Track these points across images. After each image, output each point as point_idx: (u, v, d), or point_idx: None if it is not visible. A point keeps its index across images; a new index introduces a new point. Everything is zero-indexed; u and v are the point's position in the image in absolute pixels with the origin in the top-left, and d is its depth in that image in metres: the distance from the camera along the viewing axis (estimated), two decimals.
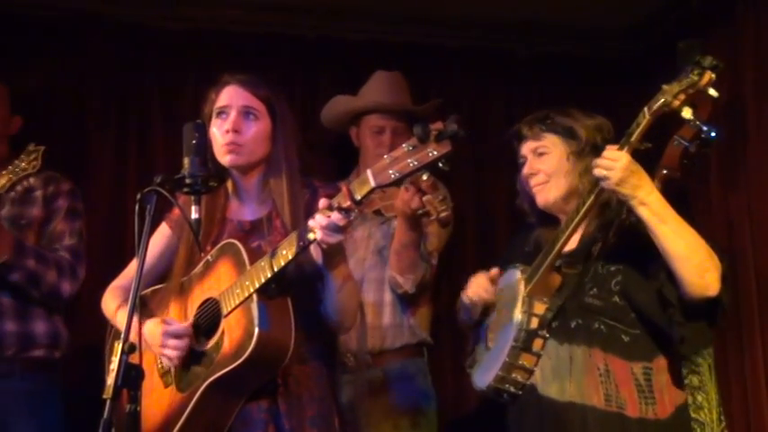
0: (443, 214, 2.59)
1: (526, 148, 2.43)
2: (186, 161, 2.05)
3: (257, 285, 2.13)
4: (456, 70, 3.99)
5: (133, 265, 2.36)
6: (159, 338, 2.23)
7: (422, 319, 3.13)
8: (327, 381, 2.33)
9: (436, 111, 3.42)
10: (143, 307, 2.34)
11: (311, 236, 2.06)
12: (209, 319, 2.26)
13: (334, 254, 2.15)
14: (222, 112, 2.33)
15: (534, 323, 2.23)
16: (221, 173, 2.33)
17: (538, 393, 2.25)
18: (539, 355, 2.23)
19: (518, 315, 2.26)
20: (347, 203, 2.01)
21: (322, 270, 2.22)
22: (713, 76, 2.05)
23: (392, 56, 3.90)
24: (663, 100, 2.06)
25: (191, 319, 2.29)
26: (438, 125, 1.90)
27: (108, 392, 1.80)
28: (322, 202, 2.06)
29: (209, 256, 2.30)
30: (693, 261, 2.08)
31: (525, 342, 2.22)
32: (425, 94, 3.79)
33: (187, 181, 2.03)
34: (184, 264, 2.37)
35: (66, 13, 3.60)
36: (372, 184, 1.96)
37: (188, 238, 2.32)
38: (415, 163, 1.91)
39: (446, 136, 1.89)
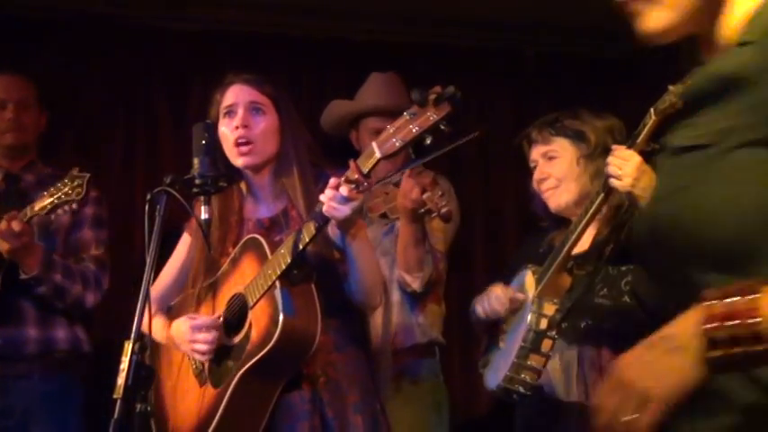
0: (444, 210, 2.58)
1: (536, 153, 2.43)
2: (196, 161, 2.04)
3: (279, 272, 2.14)
4: (463, 71, 3.98)
5: (162, 277, 2.42)
6: (188, 334, 2.24)
7: (433, 318, 3.12)
8: (366, 366, 2.34)
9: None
10: (173, 315, 2.37)
11: (324, 210, 2.08)
12: (236, 313, 2.27)
13: (348, 226, 2.15)
14: (230, 111, 2.34)
15: (543, 324, 2.23)
16: (232, 174, 2.33)
17: (545, 393, 2.25)
18: (548, 356, 2.23)
19: (527, 316, 2.26)
20: (355, 176, 2.04)
21: (343, 250, 2.24)
22: None
23: (399, 56, 3.90)
24: (669, 101, 2.05)
25: (220, 313, 2.31)
26: (436, 89, 1.93)
27: (118, 392, 1.80)
28: (332, 181, 2.08)
29: (233, 254, 2.32)
30: None
31: (534, 343, 2.22)
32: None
33: (197, 181, 2.02)
34: (203, 266, 2.37)
35: (74, 16, 3.61)
36: (378, 154, 1.99)
37: (203, 240, 2.31)
38: (417, 128, 1.93)
39: (444, 98, 1.93)
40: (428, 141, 1.96)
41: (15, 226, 2.61)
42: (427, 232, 2.96)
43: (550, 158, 2.38)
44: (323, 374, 2.23)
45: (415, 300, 3.06)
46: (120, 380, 1.80)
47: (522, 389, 2.24)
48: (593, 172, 2.32)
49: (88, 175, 2.67)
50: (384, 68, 3.51)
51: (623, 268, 2.23)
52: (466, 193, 3.42)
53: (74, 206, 2.69)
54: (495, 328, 2.49)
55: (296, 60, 3.84)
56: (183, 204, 2.07)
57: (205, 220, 2.03)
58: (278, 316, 2.13)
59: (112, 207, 3.16)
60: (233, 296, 2.29)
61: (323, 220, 2.11)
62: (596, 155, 2.30)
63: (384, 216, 3.11)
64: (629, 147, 2.11)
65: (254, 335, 2.18)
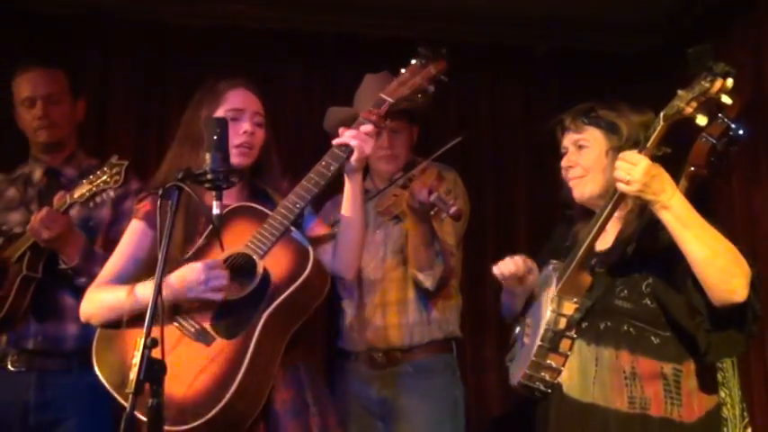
0: (453, 210, 2.59)
1: (568, 140, 2.39)
2: (207, 156, 2.04)
3: (293, 217, 2.28)
4: (474, 67, 3.98)
5: (111, 264, 2.39)
6: (202, 273, 2.19)
7: (450, 313, 3.13)
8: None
9: (430, 102, 3.43)
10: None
11: (352, 143, 2.31)
12: (239, 269, 2.28)
13: (361, 166, 2.38)
14: (236, 117, 2.41)
15: (562, 323, 2.22)
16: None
17: (562, 392, 2.23)
18: (566, 356, 2.22)
19: (547, 314, 2.25)
20: (373, 117, 2.36)
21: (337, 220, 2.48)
22: (726, 82, 1.99)
23: (409, 52, 3.88)
24: (676, 107, 2.03)
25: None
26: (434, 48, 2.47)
27: (130, 387, 1.81)
28: (360, 120, 2.36)
29: (206, 232, 2.33)
30: (717, 265, 2.01)
31: (552, 342, 2.22)
32: (442, 90, 3.78)
33: (208, 176, 2.03)
34: (181, 248, 2.34)
35: (85, 11, 3.62)
36: (390, 99, 2.39)
37: (180, 227, 2.32)
38: (419, 79, 2.44)
39: (440, 55, 2.50)
40: (431, 89, 2.46)
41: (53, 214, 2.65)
42: (436, 229, 2.97)
43: (580, 147, 2.34)
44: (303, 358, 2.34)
45: (428, 296, 3.07)
46: (132, 374, 1.81)
47: (542, 386, 2.24)
48: None
49: (126, 162, 2.67)
50: (396, 64, 3.50)
51: (645, 270, 2.19)
52: (477, 190, 3.42)
53: (111, 193, 2.69)
54: (521, 319, 2.48)
55: (308, 56, 3.83)
56: (196, 199, 2.08)
57: (216, 215, 2.04)
58: (306, 250, 2.27)
59: None
60: (228, 257, 2.27)
61: (347, 153, 2.33)
62: (626, 148, 2.22)
63: (397, 218, 3.13)
64: (640, 151, 2.09)
65: (276, 276, 2.24)
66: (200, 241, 2.35)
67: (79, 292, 2.78)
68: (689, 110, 2.02)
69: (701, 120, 2.03)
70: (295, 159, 3.65)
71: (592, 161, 2.31)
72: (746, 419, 3.17)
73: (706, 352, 2.09)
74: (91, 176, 2.66)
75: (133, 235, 2.42)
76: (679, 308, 2.13)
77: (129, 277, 2.35)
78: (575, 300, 2.23)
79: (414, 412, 3.01)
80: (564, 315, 2.22)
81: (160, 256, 1.94)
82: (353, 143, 2.31)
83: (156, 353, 1.83)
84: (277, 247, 2.26)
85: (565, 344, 2.21)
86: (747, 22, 3.49)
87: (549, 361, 2.22)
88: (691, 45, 3.93)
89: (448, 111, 3.85)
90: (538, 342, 2.23)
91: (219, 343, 2.22)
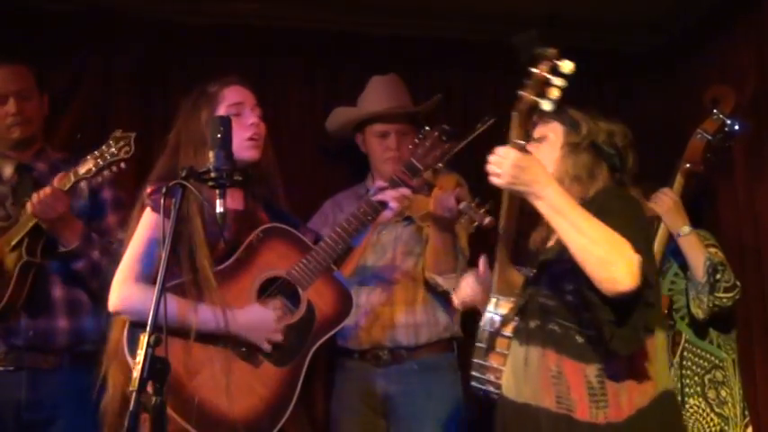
0: (486, 220, 2.65)
1: (535, 133, 2.34)
2: (211, 154, 2.05)
3: (335, 256, 2.50)
4: (476, 65, 3.97)
5: (138, 255, 2.39)
6: (268, 325, 2.38)
7: (454, 314, 3.15)
8: None
9: (436, 106, 3.44)
10: (185, 296, 2.34)
11: (392, 205, 2.60)
12: (282, 295, 2.46)
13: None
14: (238, 112, 2.45)
15: (496, 323, 2.24)
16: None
17: (502, 394, 2.23)
18: (505, 355, 2.22)
19: (484, 314, 2.29)
20: (413, 183, 2.69)
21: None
22: (560, 65, 2.01)
23: (412, 51, 3.89)
24: (526, 100, 2.03)
25: (254, 297, 2.42)
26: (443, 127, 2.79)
27: (134, 385, 1.81)
28: (380, 184, 2.68)
29: (253, 240, 2.45)
30: (595, 254, 1.98)
31: (489, 342, 2.25)
32: (446, 89, 3.78)
33: (212, 174, 2.03)
34: (208, 253, 2.38)
35: (87, 9, 3.61)
36: (422, 167, 2.72)
37: (199, 229, 2.37)
38: (439, 153, 2.76)
39: (454, 137, 2.82)
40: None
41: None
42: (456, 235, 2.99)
43: (541, 140, 2.31)
44: None
45: (437, 297, 3.09)
46: (136, 372, 1.81)
47: (492, 387, 2.25)
48: (572, 163, 2.24)
49: (134, 133, 2.67)
50: (398, 62, 3.50)
51: (568, 266, 2.11)
52: (479, 186, 3.40)
53: (122, 165, 2.67)
54: None
55: (310, 54, 3.83)
56: (198, 197, 2.08)
57: (220, 213, 2.04)
58: (349, 295, 2.53)
59: (129, 200, 3.14)
60: (270, 279, 2.43)
61: (377, 212, 2.60)
62: (582, 147, 2.24)
63: (408, 219, 3.14)
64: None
65: (321, 312, 2.44)
66: (239, 254, 2.42)
67: (69, 284, 2.81)
68: (530, 98, 2.02)
69: (546, 105, 2.01)
70: (296, 158, 3.66)
71: (545, 154, 2.26)
72: (747, 418, 3.17)
73: (610, 339, 2.03)
74: (95, 152, 2.65)
75: (150, 228, 2.40)
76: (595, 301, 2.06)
77: (155, 269, 2.33)
78: (511, 299, 2.24)
79: (419, 410, 3.02)
80: (498, 314, 2.25)
81: (164, 254, 1.94)
82: (393, 205, 2.61)
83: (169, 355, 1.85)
84: (320, 282, 2.47)
85: (501, 343, 2.23)
86: (750, 20, 3.48)
87: (490, 361, 2.24)
88: (694, 44, 3.94)
89: (451, 109, 3.84)
90: (476, 344, 2.26)
91: (268, 367, 2.38)
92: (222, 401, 2.26)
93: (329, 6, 3.74)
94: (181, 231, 2.27)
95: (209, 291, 2.33)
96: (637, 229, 2.07)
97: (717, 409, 3.11)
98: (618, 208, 2.12)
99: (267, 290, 2.45)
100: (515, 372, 2.19)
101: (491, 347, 2.24)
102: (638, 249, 1.99)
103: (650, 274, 2.03)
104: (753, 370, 3.33)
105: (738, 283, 3.06)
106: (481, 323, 2.29)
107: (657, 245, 3.14)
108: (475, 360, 2.27)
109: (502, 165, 2.05)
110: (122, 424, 1.79)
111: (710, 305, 3.03)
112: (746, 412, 3.17)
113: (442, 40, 3.97)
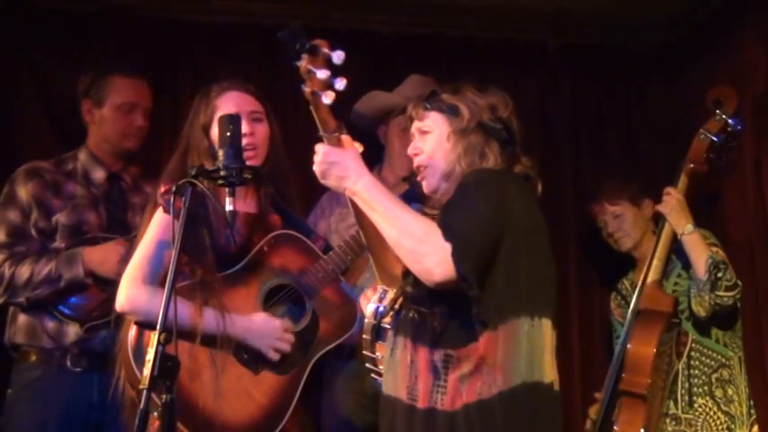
0: None
1: (413, 128, 2.29)
2: (221, 153, 2.06)
3: (344, 267, 2.48)
4: (486, 62, 3.96)
5: (147, 255, 2.39)
6: (275, 332, 2.37)
7: None
8: None
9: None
10: (191, 298, 2.35)
11: None
12: (289, 302, 2.46)
13: None
14: None
15: (379, 314, 2.26)
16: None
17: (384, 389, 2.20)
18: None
19: (368, 306, 2.30)
20: None
21: None
22: (326, 53, 2.01)
23: (423, 48, 3.89)
24: (307, 95, 2.05)
25: (260, 303, 2.43)
26: None
27: (144, 383, 1.82)
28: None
29: (264, 246, 2.45)
30: (405, 246, 1.97)
31: (373, 334, 2.26)
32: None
33: (222, 173, 2.04)
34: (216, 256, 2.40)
35: (99, 7, 3.62)
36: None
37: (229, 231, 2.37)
38: None
39: None
40: None
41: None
42: None
43: (423, 133, 2.25)
44: None
45: None
46: (146, 370, 1.82)
47: (380, 379, 2.22)
48: (462, 149, 2.17)
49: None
50: (408, 60, 3.50)
51: None
52: None
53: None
54: None
55: None
56: (208, 195, 2.08)
57: (230, 211, 2.05)
58: (354, 306, 2.47)
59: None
60: (277, 285, 2.44)
61: None
62: (469, 130, 2.17)
63: (406, 179, 3.13)
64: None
65: (324, 322, 2.44)
66: (249, 259, 2.43)
67: None
68: (308, 89, 2.04)
69: (328, 98, 2.04)
70: (308, 155, 3.66)
71: (434, 146, 2.21)
72: (753, 416, 3.16)
73: (444, 337, 2.02)
74: None
75: (161, 229, 2.39)
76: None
77: (163, 271, 2.34)
78: (395, 290, 2.22)
79: None
80: (381, 305, 2.25)
81: (174, 253, 1.95)
82: None
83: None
84: (326, 292, 2.47)
85: (385, 334, 2.22)
86: (761, 18, 3.46)
87: (379, 353, 2.23)
88: (705, 41, 3.92)
89: None
90: (363, 335, 2.27)
91: (267, 375, 2.38)
92: (218, 406, 2.28)
93: (338, 5, 3.75)
94: (190, 232, 2.27)
95: (215, 294, 2.35)
96: (465, 213, 1.99)
97: (724, 408, 3.11)
98: (458, 194, 2.05)
99: (274, 297, 2.46)
100: (386, 363, 2.17)
101: (375, 339, 2.25)
102: (452, 236, 1.92)
103: (468, 259, 1.92)
104: (764, 369, 3.31)
105: (740, 282, 3.07)
106: (366, 315, 2.28)
107: (662, 245, 3.14)
108: (365, 352, 2.26)
109: (316, 161, 2.07)
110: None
111: (711, 303, 3.05)
112: (753, 410, 3.16)
113: (452, 38, 3.96)
